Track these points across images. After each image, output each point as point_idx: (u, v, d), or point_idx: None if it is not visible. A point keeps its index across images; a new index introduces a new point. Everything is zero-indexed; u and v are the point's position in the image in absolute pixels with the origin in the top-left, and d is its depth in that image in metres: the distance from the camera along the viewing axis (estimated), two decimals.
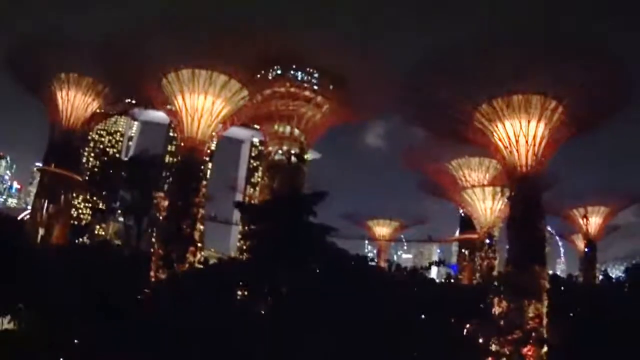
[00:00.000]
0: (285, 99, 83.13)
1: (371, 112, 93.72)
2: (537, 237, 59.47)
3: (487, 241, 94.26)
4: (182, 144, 72.65)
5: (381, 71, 71.34)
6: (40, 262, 54.81)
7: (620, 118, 67.32)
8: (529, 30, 55.51)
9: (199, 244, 71.51)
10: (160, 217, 70.69)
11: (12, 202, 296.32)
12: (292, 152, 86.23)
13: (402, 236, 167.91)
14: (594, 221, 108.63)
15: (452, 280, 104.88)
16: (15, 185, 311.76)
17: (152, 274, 62.65)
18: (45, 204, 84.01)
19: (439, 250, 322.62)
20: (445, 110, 62.72)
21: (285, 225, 41.65)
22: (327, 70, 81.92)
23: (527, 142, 60.30)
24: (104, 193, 72.53)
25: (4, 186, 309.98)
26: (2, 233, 66.80)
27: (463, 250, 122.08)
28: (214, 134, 75.19)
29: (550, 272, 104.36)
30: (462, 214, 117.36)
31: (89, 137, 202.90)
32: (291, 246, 39.28)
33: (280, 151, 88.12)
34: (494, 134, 61.60)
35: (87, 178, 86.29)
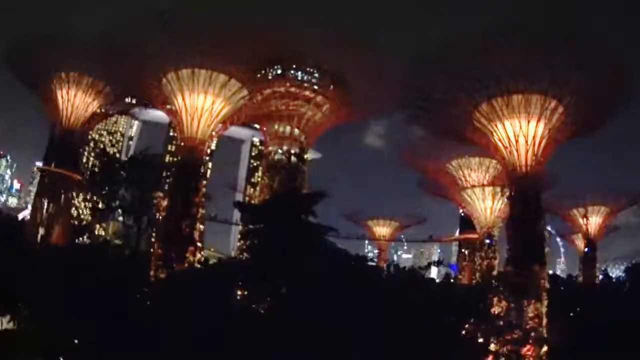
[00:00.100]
0: (285, 99, 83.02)
1: (371, 112, 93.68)
2: (537, 237, 59.50)
3: (487, 241, 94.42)
4: (182, 144, 72.73)
5: (381, 70, 71.36)
6: (40, 262, 54.79)
7: (620, 117, 67.43)
8: (528, 30, 55.27)
9: (199, 244, 71.52)
10: (160, 217, 70.58)
11: (12, 201, 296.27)
12: (292, 152, 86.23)
13: (402, 236, 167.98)
14: (594, 221, 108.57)
15: (451, 280, 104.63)
16: (16, 184, 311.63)
17: (151, 273, 62.66)
18: (46, 204, 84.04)
19: (439, 250, 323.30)
20: (444, 109, 62.72)
21: (284, 224, 41.71)
22: (327, 70, 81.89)
23: (526, 141, 60.27)
24: (103, 192, 72.17)
25: (5, 186, 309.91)
26: (2, 233, 66.93)
27: (463, 250, 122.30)
28: (213, 133, 75.26)
29: (551, 272, 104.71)
30: (462, 214, 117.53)
31: (90, 137, 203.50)
32: (290, 246, 39.31)
33: (280, 151, 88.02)
34: (494, 133, 61.58)
35: (87, 177, 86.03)
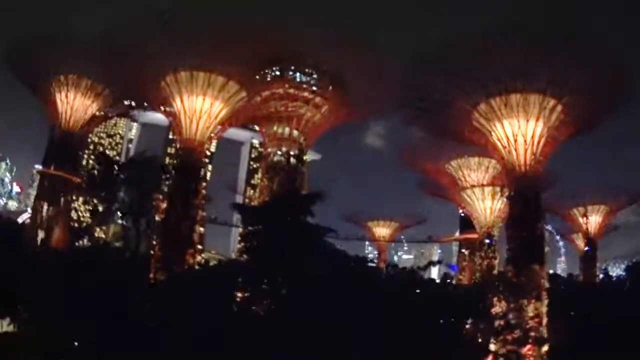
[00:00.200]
0: (284, 100, 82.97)
1: (370, 112, 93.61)
2: (536, 236, 59.34)
3: (487, 241, 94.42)
4: (181, 146, 72.68)
5: (381, 70, 71.34)
6: (40, 265, 54.81)
7: (620, 117, 67.41)
8: (528, 30, 55.22)
9: (199, 246, 71.49)
10: (160, 219, 70.56)
11: (12, 204, 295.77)
12: (292, 153, 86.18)
13: (402, 237, 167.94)
14: (593, 220, 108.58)
15: (449, 280, 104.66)
16: (16, 187, 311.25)
17: (151, 275, 62.60)
18: (45, 207, 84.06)
19: (439, 251, 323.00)
20: (443, 110, 62.65)
21: (283, 226, 41.74)
22: (326, 70, 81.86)
23: (525, 141, 60.12)
24: (102, 195, 72.25)
25: (4, 189, 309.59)
26: (2, 236, 66.90)
27: (463, 250, 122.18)
28: (212, 135, 75.20)
29: (551, 271, 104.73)
30: (462, 214, 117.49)
31: (89, 140, 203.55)
32: (289, 247, 39.33)
33: (279, 152, 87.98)
34: (493, 133, 61.49)
35: (86, 180, 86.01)
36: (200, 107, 69.46)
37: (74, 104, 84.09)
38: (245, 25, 64.04)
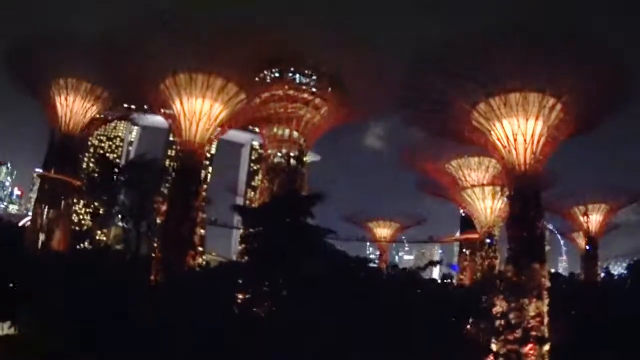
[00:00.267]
0: (283, 102, 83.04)
1: (370, 113, 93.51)
2: (537, 235, 59.19)
3: (488, 240, 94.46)
4: (181, 148, 72.65)
5: (381, 71, 71.31)
6: (40, 268, 54.89)
7: (620, 117, 67.38)
8: (528, 30, 55.17)
9: (200, 248, 71.49)
10: (159, 221, 70.60)
11: (13, 208, 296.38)
12: (291, 154, 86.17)
13: (403, 237, 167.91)
14: (594, 218, 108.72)
15: (449, 280, 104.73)
16: (16, 191, 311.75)
17: (152, 278, 62.60)
18: (46, 210, 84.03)
19: (440, 251, 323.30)
20: (442, 109, 62.63)
21: (283, 227, 41.73)
22: (325, 71, 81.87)
23: (525, 140, 59.99)
24: (104, 198, 72.34)
25: (5, 192, 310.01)
26: (2, 239, 67.02)
27: (464, 250, 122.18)
28: (212, 137, 75.11)
29: (552, 270, 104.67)
30: (463, 214, 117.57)
31: (89, 143, 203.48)
32: (289, 248, 39.32)
33: (279, 154, 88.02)
34: (492, 132, 61.40)
35: (86, 183, 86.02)
36: (199, 109, 69.38)
37: (74, 106, 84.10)
38: (245, 25, 64.03)
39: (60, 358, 40.83)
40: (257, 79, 76.79)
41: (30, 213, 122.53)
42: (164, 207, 71.13)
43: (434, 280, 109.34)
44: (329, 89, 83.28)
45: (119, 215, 68.92)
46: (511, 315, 55.25)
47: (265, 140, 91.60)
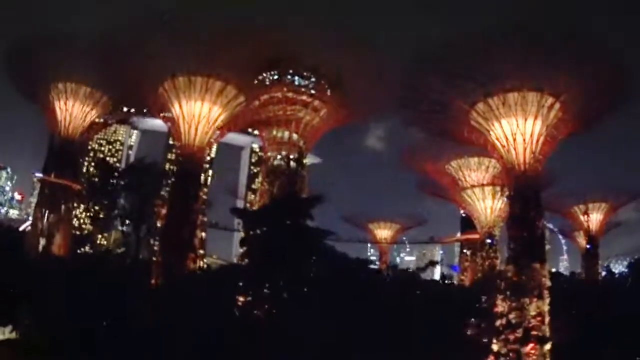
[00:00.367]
0: (282, 104, 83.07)
1: (370, 113, 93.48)
2: (537, 235, 59.12)
3: (488, 241, 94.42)
4: (180, 151, 72.67)
5: (380, 71, 71.33)
6: (41, 272, 54.90)
7: (620, 117, 67.43)
8: (528, 30, 55.16)
9: (201, 251, 71.47)
10: (159, 225, 70.61)
11: (13, 213, 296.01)
12: (291, 157, 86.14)
13: (404, 238, 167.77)
14: (594, 217, 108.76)
15: (446, 281, 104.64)
16: (17, 196, 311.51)
17: (152, 281, 62.57)
18: (46, 214, 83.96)
19: (441, 251, 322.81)
20: (442, 110, 62.59)
21: (282, 229, 41.71)
22: (324, 73, 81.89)
23: (524, 140, 59.94)
24: (104, 202, 72.38)
25: (5, 197, 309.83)
26: (3, 244, 67.00)
27: (465, 251, 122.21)
28: (211, 140, 75.09)
29: (554, 269, 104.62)
30: (463, 214, 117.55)
31: (89, 147, 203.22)
32: (289, 250, 39.30)
33: (279, 156, 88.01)
34: (491, 132, 61.36)
35: (86, 187, 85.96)
36: (198, 112, 69.46)
37: (73, 111, 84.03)
38: (244, 25, 64.10)
39: None
40: (256, 81, 76.83)
41: (30, 218, 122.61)
42: (164, 211, 71.15)
43: (435, 280, 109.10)
44: (328, 91, 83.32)
45: (119, 219, 68.92)
46: (512, 315, 55.16)
47: (265, 142, 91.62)
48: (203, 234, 76.31)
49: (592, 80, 56.83)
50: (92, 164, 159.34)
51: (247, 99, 72.68)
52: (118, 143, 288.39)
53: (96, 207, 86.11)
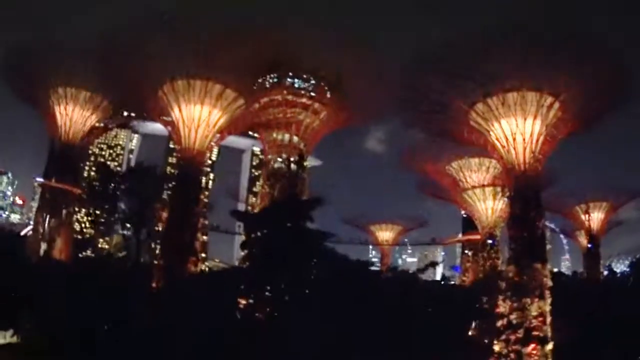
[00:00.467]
0: (282, 107, 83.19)
1: (369, 116, 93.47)
2: (538, 235, 59.08)
3: (490, 241, 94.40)
4: (180, 155, 72.70)
5: (380, 71, 71.32)
6: (42, 277, 54.95)
7: (621, 117, 67.41)
8: (528, 30, 55.15)
9: (202, 254, 71.50)
10: (159, 228, 70.69)
11: (14, 217, 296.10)
12: (292, 159, 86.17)
13: (405, 240, 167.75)
14: (595, 217, 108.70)
15: (447, 281, 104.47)
16: (18, 200, 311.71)
17: (153, 285, 62.58)
18: (47, 219, 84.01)
19: (443, 253, 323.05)
20: (441, 110, 62.57)
21: (282, 232, 41.70)
22: (323, 76, 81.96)
23: (524, 140, 59.95)
24: (106, 207, 72.56)
25: (6, 202, 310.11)
26: (4, 248, 67.06)
27: (466, 252, 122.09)
28: (211, 143, 75.12)
29: (556, 269, 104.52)
30: (465, 215, 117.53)
31: (90, 151, 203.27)
32: (289, 252, 39.31)
33: (279, 159, 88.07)
34: (491, 133, 61.36)
35: (86, 191, 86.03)
36: (198, 116, 69.51)
37: (73, 116, 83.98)
38: (244, 25, 64.13)
39: None
40: (255, 84, 76.89)
41: (31, 222, 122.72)
42: (165, 214, 71.20)
43: (435, 281, 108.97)
44: (328, 93, 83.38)
45: (120, 223, 69.01)
46: (513, 316, 55.13)
47: (266, 145, 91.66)
48: (204, 237, 76.31)
49: (591, 80, 56.82)
50: (93, 168, 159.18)
51: (246, 101, 72.70)
52: (119, 147, 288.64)
53: (97, 212, 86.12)
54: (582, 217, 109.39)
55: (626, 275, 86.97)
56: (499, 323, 55.66)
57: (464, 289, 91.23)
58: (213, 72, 67.08)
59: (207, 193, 74.41)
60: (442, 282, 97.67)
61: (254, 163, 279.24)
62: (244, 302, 44.53)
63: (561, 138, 62.66)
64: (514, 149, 60.40)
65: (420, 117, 66.95)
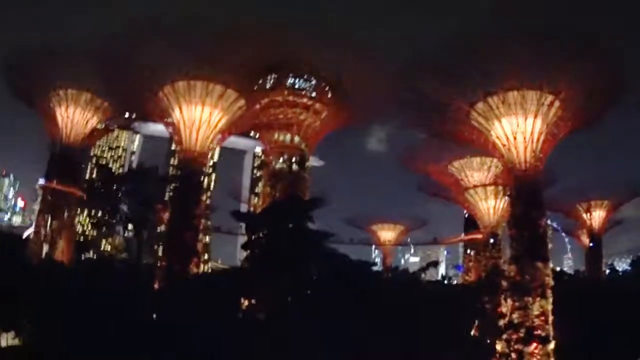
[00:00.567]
0: (283, 107, 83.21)
1: (370, 115, 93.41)
2: (539, 234, 59.07)
3: (492, 240, 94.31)
4: (182, 156, 72.75)
5: (380, 71, 71.24)
6: (44, 279, 55.03)
7: (619, 111, 67.20)
8: (528, 29, 55.14)
9: (205, 256, 71.54)
10: (161, 229, 70.71)
11: (16, 220, 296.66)
12: (293, 160, 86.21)
13: (408, 239, 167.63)
14: (597, 215, 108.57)
15: (448, 281, 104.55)
16: (20, 202, 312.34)
17: (156, 286, 62.63)
18: (49, 221, 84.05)
19: (446, 252, 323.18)
20: (442, 110, 62.55)
21: (283, 232, 41.74)
22: (324, 76, 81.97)
23: (525, 138, 59.93)
24: (107, 208, 72.57)
25: (8, 204, 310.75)
26: (6, 251, 67.17)
27: (468, 251, 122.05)
28: (212, 144, 75.10)
29: (558, 268, 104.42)
30: (467, 215, 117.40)
31: (92, 153, 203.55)
32: (289, 252, 39.34)
33: (281, 160, 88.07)
34: (492, 132, 61.38)
35: (87, 193, 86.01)
36: (199, 117, 69.48)
37: (74, 118, 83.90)
38: (245, 26, 64.13)
39: None
40: (256, 85, 76.89)
41: (33, 224, 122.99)
42: (166, 215, 71.22)
43: (435, 281, 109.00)
44: (329, 93, 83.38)
45: (121, 225, 69.04)
46: (515, 315, 55.14)
47: (267, 146, 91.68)
48: (207, 239, 76.30)
49: (591, 79, 56.81)
50: (95, 170, 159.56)
51: (247, 102, 72.65)
52: (120, 149, 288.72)
53: (99, 213, 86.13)
54: (584, 215, 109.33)
55: (628, 274, 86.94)
56: (501, 322, 55.68)
57: (465, 288, 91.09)
58: (214, 73, 67.07)
59: (209, 194, 74.17)
60: (442, 282, 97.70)
61: (256, 164, 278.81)
62: (245, 302, 44.64)
63: (562, 137, 62.60)
64: (515, 148, 60.38)
65: (420, 117, 66.92)
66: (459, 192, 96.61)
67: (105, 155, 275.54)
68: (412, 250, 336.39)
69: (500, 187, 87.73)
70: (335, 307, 34.80)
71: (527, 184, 60.40)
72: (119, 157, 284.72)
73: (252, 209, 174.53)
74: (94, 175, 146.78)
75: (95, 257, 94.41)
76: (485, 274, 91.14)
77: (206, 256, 73.30)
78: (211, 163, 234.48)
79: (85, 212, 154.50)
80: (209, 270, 74.73)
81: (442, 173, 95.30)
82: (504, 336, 54.68)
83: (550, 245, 62.45)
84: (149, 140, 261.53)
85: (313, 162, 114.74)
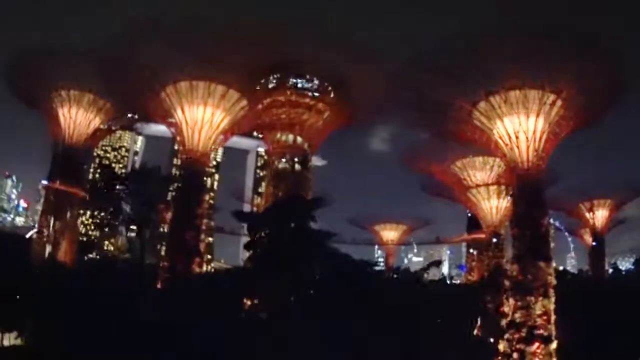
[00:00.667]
0: (285, 107, 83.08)
1: (372, 115, 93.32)
2: (541, 233, 58.96)
3: (494, 240, 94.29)
4: (184, 156, 72.83)
5: (381, 71, 71.17)
6: (46, 279, 55.18)
7: (621, 110, 67.14)
8: (528, 29, 55.09)
9: (209, 256, 71.66)
10: (163, 229, 70.77)
11: (19, 220, 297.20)
12: (296, 159, 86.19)
13: (410, 239, 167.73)
14: (600, 214, 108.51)
15: (448, 280, 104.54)
16: (22, 203, 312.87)
17: (158, 286, 62.68)
18: (52, 221, 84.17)
19: (448, 252, 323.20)
20: (444, 109, 62.51)
21: (284, 231, 41.74)
22: (326, 75, 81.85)
23: (527, 138, 59.88)
24: (110, 209, 72.58)
25: (11, 205, 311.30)
26: (10, 252, 67.33)
27: (471, 250, 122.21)
28: (215, 145, 75.11)
29: (561, 267, 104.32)
30: (469, 214, 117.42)
31: (95, 153, 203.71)
32: (290, 252, 39.34)
33: (284, 159, 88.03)
34: (494, 131, 61.32)
35: (90, 193, 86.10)
36: (201, 117, 69.55)
37: (77, 118, 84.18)
38: (246, 26, 64.11)
39: None
40: (258, 85, 76.86)
41: (36, 225, 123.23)
42: (169, 215, 71.29)
43: (437, 280, 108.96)
44: (331, 93, 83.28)
45: (124, 225, 69.06)
46: (517, 314, 55.07)
47: (269, 146, 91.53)
48: (210, 239, 76.37)
49: (593, 78, 56.74)
50: (98, 170, 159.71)
51: (250, 102, 72.70)
52: (123, 149, 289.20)
53: (101, 214, 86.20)
54: (587, 214, 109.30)
55: (631, 273, 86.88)
56: (503, 322, 55.64)
57: (467, 287, 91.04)
58: (216, 73, 67.06)
59: (212, 194, 74.24)
60: (445, 281, 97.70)
61: (259, 164, 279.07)
62: (247, 302, 44.65)
63: (564, 136, 62.52)
64: (517, 147, 60.33)
65: (423, 117, 66.86)
66: (461, 192, 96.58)
67: (108, 156, 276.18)
68: (415, 250, 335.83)
69: (503, 187, 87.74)
70: (337, 307, 34.81)
71: (529, 183, 60.31)
72: (122, 157, 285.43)
73: (255, 208, 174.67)
74: (96, 176, 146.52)
75: (97, 257, 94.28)
76: (487, 273, 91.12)
77: (209, 256, 72.94)
78: (214, 163, 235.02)
79: (88, 213, 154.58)
80: (212, 270, 74.39)
81: (445, 173, 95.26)
82: (506, 336, 54.66)
83: (552, 245, 62.48)
84: (151, 140, 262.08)
85: (316, 161, 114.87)
